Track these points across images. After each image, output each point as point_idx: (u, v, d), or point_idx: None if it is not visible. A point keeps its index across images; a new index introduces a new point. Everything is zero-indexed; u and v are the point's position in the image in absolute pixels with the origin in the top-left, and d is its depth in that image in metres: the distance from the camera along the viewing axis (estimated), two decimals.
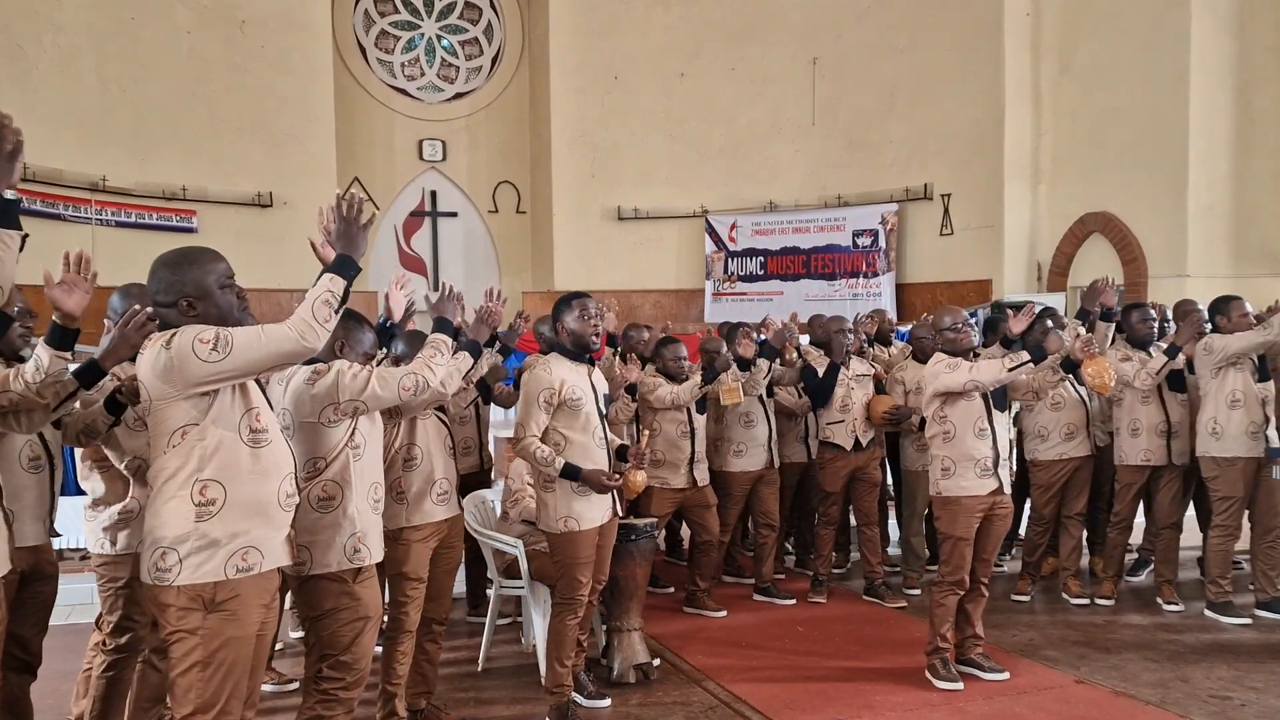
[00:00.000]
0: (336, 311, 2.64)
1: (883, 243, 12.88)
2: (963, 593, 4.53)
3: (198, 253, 2.74)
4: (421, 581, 3.77)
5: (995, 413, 4.51)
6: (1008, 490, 4.52)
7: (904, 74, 12.62)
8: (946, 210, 12.43)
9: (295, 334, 2.55)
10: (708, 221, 14.07)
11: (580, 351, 4.03)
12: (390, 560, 3.67)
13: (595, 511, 4.01)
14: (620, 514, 4.20)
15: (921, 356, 5.91)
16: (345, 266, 2.69)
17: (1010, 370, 4.37)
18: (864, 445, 5.76)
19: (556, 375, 3.95)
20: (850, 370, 5.79)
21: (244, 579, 2.58)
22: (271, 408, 2.79)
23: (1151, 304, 6.31)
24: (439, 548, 3.88)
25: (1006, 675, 4.53)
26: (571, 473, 3.92)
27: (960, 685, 4.41)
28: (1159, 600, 5.60)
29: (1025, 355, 4.42)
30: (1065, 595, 5.73)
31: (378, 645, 3.53)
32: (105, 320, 3.39)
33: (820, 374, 5.77)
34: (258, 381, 2.73)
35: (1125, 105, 10.73)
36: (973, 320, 4.76)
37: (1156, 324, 5.85)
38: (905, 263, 12.95)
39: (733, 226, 13.92)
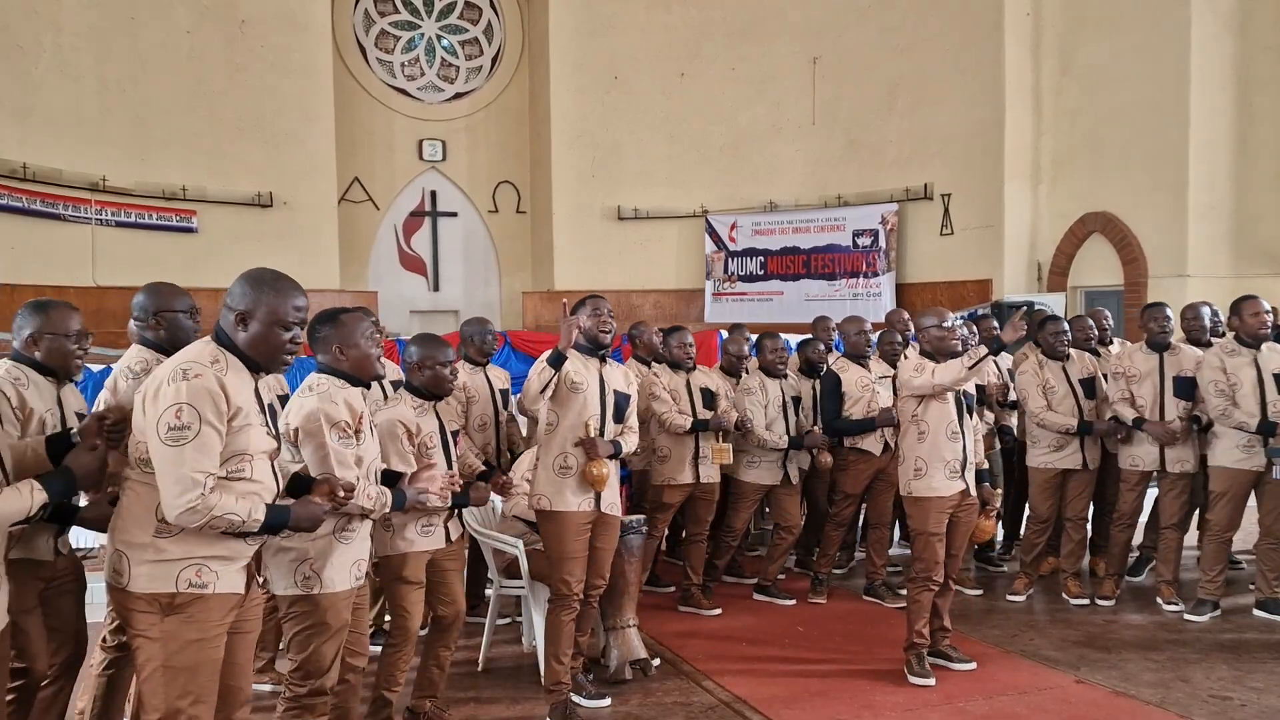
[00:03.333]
0: (246, 535, 2.58)
1: (883, 243, 12.88)
2: (937, 589, 4.57)
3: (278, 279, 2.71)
4: (421, 585, 3.72)
5: (965, 417, 4.58)
6: (973, 493, 4.60)
7: (904, 74, 12.62)
8: (946, 210, 12.43)
9: (184, 505, 2.44)
10: (708, 221, 14.06)
11: (593, 347, 4.15)
12: (385, 567, 3.63)
13: (570, 497, 4.05)
14: (602, 509, 4.12)
15: (890, 362, 5.85)
16: (276, 519, 2.61)
17: (970, 368, 4.39)
18: (892, 447, 5.72)
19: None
20: (872, 372, 5.80)
21: (198, 593, 2.55)
22: (278, 438, 2.76)
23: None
24: (440, 558, 3.82)
25: (974, 665, 4.61)
26: (555, 359, 3.87)
27: (932, 681, 4.44)
28: (1159, 600, 5.59)
29: (983, 350, 4.46)
30: (1065, 596, 5.73)
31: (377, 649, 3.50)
32: (132, 322, 3.39)
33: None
34: (268, 412, 2.69)
35: (1125, 105, 10.73)
36: (960, 322, 4.77)
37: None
38: (905, 263, 12.95)
39: (733, 226, 13.91)
